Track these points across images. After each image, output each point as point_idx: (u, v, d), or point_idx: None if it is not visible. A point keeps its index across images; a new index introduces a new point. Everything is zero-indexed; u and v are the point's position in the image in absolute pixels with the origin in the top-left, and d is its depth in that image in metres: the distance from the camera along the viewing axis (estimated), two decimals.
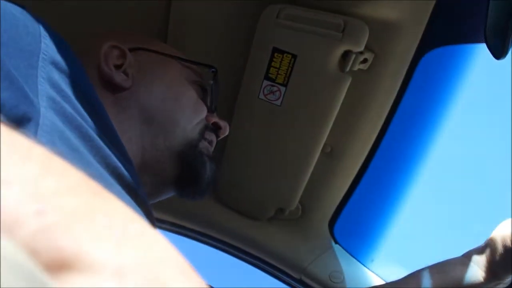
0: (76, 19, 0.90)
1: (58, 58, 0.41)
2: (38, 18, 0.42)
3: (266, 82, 0.83)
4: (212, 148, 0.71)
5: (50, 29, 0.43)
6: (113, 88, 0.60)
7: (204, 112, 0.69)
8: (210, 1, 0.84)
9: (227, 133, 0.74)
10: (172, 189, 0.67)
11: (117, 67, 0.62)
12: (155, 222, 0.54)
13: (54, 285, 0.17)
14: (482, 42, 0.62)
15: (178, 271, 0.20)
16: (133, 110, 0.61)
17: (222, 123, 0.73)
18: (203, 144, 0.68)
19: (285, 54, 0.79)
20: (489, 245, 0.71)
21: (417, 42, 0.78)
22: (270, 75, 0.82)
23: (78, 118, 0.41)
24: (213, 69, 0.73)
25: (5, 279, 0.14)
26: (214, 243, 1.13)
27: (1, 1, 0.38)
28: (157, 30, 0.91)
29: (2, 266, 0.14)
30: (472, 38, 0.80)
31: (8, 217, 0.17)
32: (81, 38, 0.64)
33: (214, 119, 0.72)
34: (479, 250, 0.72)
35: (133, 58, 0.64)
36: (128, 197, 0.45)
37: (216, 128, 0.72)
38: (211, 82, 0.71)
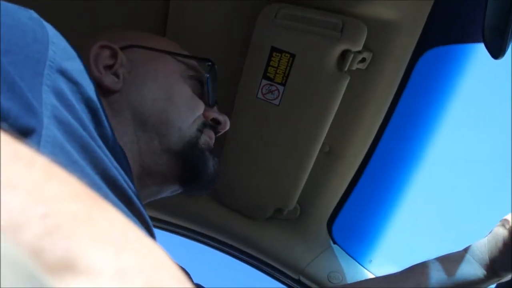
0: (73, 17, 0.90)
1: (65, 65, 0.41)
2: (47, 23, 0.42)
3: (264, 82, 0.83)
4: (212, 143, 0.69)
5: (59, 35, 0.43)
6: (104, 91, 0.60)
7: (200, 108, 0.66)
8: (208, 1, 0.84)
9: (227, 127, 0.72)
10: (177, 187, 0.66)
11: (109, 67, 0.61)
12: (153, 230, 0.53)
13: (55, 285, 0.17)
14: (480, 42, 0.62)
15: (174, 277, 0.21)
16: (125, 113, 0.60)
17: (222, 118, 0.70)
18: (203, 140, 0.66)
19: (283, 54, 0.79)
20: (490, 241, 0.71)
21: (415, 41, 0.78)
22: (268, 74, 0.82)
23: (80, 128, 0.41)
24: (209, 62, 0.70)
25: (6, 279, 0.14)
26: (212, 242, 1.13)
27: (11, 6, 0.38)
28: (155, 29, 0.90)
29: (2, 265, 0.15)
30: (470, 38, 0.80)
31: (13, 220, 0.18)
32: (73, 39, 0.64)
33: (213, 114, 0.69)
34: (480, 246, 0.72)
35: (125, 57, 0.63)
36: (124, 208, 0.46)
37: (215, 124, 0.70)
38: (207, 75, 0.69)
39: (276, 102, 0.85)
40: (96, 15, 0.91)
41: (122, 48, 0.63)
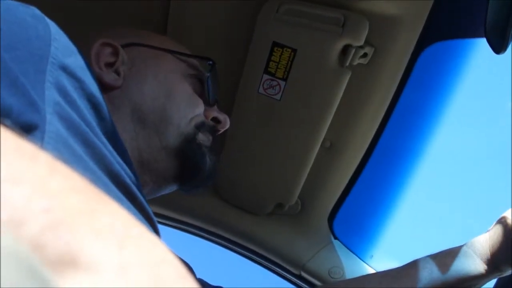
0: (75, 16, 0.90)
1: (67, 62, 0.41)
2: (49, 20, 0.42)
3: (265, 77, 0.83)
4: (210, 142, 0.70)
5: (61, 32, 0.43)
6: (105, 87, 0.60)
7: (200, 107, 0.67)
8: None
9: (227, 126, 0.72)
10: (174, 184, 0.67)
11: (110, 65, 0.62)
12: (157, 226, 0.54)
13: (58, 280, 0.17)
14: (482, 37, 0.61)
15: (177, 273, 0.21)
16: (125, 109, 0.61)
17: (222, 117, 0.71)
18: (201, 137, 0.66)
19: (284, 49, 0.79)
20: (491, 236, 0.70)
21: (417, 36, 0.77)
22: (269, 69, 0.82)
23: (83, 124, 0.41)
24: (209, 61, 0.71)
25: (7, 273, 0.14)
26: (213, 238, 1.13)
27: (13, 3, 0.39)
28: (157, 24, 0.90)
29: (5, 261, 0.15)
30: (472, 33, 0.80)
31: (16, 214, 0.18)
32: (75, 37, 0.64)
33: (213, 113, 0.70)
34: (481, 241, 0.71)
35: (126, 54, 0.63)
36: (128, 203, 0.46)
37: (215, 122, 0.71)
38: (208, 74, 0.70)
39: (278, 97, 0.85)
40: (97, 14, 0.91)
41: (123, 46, 0.64)
